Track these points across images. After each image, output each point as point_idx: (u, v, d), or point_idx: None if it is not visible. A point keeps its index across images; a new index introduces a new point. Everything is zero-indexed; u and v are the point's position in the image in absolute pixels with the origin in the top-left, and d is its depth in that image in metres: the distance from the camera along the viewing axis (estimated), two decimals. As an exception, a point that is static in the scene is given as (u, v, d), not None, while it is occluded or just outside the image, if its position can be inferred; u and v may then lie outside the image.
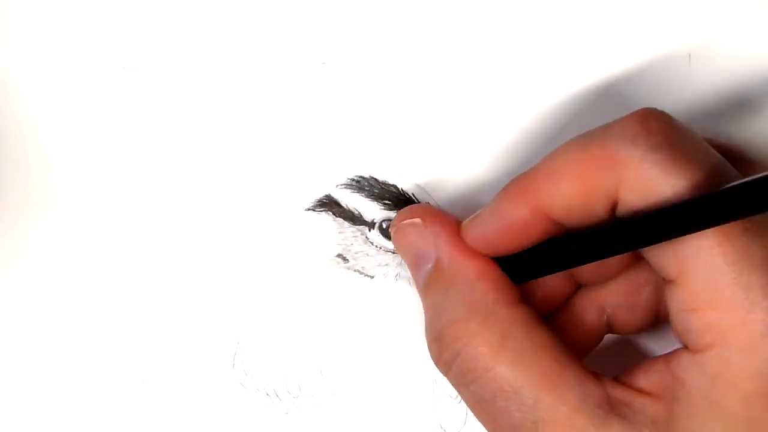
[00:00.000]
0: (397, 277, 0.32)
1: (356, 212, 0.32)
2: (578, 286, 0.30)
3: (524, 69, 0.32)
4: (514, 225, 0.27)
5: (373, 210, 0.32)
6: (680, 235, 0.24)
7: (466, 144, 0.32)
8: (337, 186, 0.32)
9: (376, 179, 0.32)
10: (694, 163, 0.24)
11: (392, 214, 0.32)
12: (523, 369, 0.25)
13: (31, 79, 0.32)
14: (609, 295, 0.29)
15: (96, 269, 0.32)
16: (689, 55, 0.32)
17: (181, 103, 0.32)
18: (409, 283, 0.32)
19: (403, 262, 0.32)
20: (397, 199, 0.32)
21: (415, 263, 0.29)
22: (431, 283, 0.28)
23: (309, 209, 0.32)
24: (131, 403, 0.32)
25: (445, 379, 0.27)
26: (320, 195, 0.32)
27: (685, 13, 0.32)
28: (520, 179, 0.27)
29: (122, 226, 0.32)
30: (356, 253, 0.32)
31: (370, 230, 0.32)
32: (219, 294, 0.32)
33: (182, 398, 0.32)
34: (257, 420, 0.32)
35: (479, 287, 0.27)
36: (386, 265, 0.32)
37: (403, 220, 0.29)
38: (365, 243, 0.32)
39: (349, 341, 0.32)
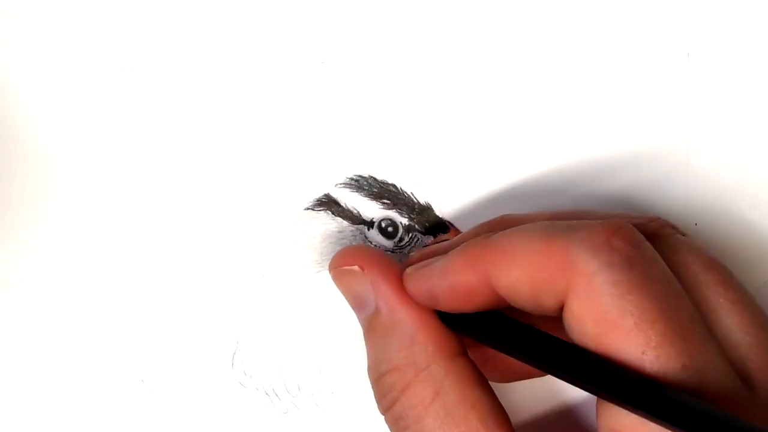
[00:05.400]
0: (397, 276, 0.32)
1: (355, 211, 0.32)
2: None
3: (524, 68, 0.32)
4: (459, 288, 0.26)
5: (372, 209, 0.32)
6: (619, 403, 0.23)
7: (465, 143, 0.32)
8: (336, 185, 0.32)
9: (375, 178, 0.32)
10: (651, 300, 0.23)
11: (391, 213, 0.32)
12: (450, 427, 0.25)
13: (31, 79, 0.32)
14: None
15: (96, 269, 0.32)
16: (689, 55, 0.32)
17: (180, 102, 0.32)
18: (409, 283, 0.32)
19: (402, 261, 0.32)
20: (396, 199, 0.32)
21: (355, 306, 0.29)
22: (372, 329, 0.28)
23: (308, 208, 0.32)
24: (131, 403, 0.32)
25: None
26: (319, 194, 0.32)
27: (685, 13, 0.32)
28: (478, 244, 0.26)
29: (122, 226, 0.32)
30: (355, 252, 0.32)
31: (369, 229, 0.32)
32: (219, 294, 0.32)
33: (182, 398, 0.32)
34: (257, 420, 0.32)
35: (418, 339, 0.27)
36: (385, 264, 0.32)
37: (340, 266, 0.29)
38: (364, 242, 0.32)
39: (348, 340, 0.32)
